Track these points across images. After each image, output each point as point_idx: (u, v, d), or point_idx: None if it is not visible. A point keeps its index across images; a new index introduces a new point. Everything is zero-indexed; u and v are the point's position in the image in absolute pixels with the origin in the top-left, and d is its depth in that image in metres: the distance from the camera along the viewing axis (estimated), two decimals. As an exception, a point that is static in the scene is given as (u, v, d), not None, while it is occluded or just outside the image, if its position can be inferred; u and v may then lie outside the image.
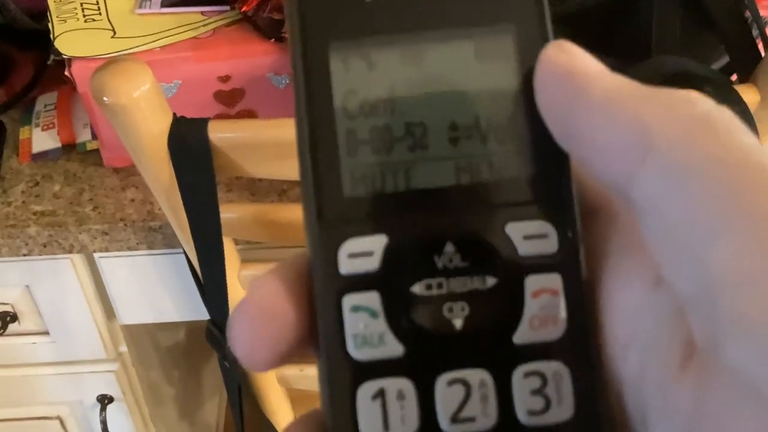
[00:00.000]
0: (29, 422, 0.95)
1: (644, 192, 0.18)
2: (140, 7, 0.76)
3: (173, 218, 0.62)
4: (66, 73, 0.71)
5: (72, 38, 0.73)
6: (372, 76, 0.21)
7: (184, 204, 0.58)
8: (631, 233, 0.20)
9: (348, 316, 0.20)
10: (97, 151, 0.78)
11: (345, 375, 0.20)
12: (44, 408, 0.94)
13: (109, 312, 0.85)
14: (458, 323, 0.20)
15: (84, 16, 0.75)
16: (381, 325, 0.20)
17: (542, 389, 0.20)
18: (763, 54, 0.65)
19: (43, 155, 0.79)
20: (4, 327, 0.82)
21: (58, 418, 0.96)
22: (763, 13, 0.74)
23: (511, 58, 0.21)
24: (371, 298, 0.20)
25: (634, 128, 0.18)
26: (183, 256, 0.72)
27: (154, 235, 0.73)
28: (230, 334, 0.20)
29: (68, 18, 0.75)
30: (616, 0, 0.65)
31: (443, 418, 0.20)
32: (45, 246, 0.74)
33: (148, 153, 0.55)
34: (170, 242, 0.73)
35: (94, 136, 0.79)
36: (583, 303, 0.20)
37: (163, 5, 0.76)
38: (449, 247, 0.20)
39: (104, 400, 0.91)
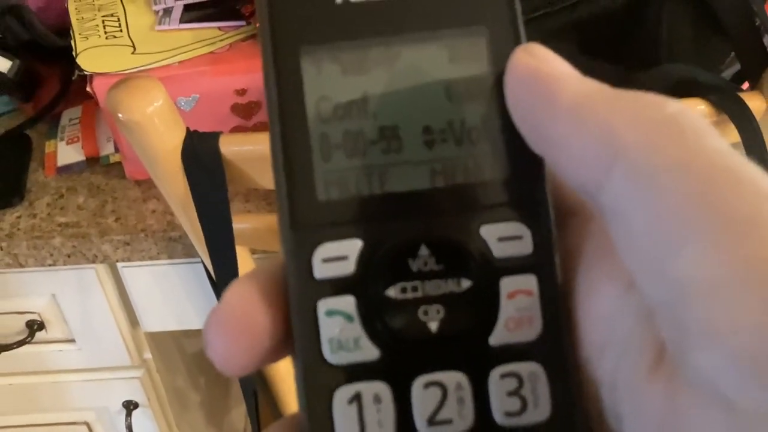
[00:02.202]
0: (57, 428, 0.97)
1: (611, 198, 0.18)
2: (160, 23, 0.78)
3: (190, 230, 0.64)
4: (87, 88, 0.73)
5: (94, 54, 0.75)
6: (344, 79, 0.21)
7: (199, 216, 0.60)
8: (605, 236, 0.20)
9: (323, 321, 0.20)
10: (119, 163, 0.81)
11: (321, 379, 0.20)
12: (72, 414, 0.97)
13: (133, 320, 0.87)
14: (434, 326, 0.20)
15: (105, 33, 0.77)
16: (356, 329, 0.20)
17: (518, 390, 0.20)
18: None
19: (68, 168, 0.82)
20: (32, 335, 0.85)
21: (86, 423, 0.98)
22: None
23: (484, 61, 0.21)
24: (346, 302, 0.20)
25: (602, 133, 0.18)
26: (202, 265, 0.73)
27: (174, 245, 0.75)
28: (206, 341, 0.20)
29: (90, 35, 0.77)
30: (626, 7, 0.65)
31: (420, 421, 0.20)
32: (69, 256, 0.76)
33: (163, 167, 0.57)
34: (190, 252, 0.74)
35: (117, 150, 0.81)
36: (558, 304, 0.21)
37: (182, 21, 0.78)
38: (424, 250, 0.20)
39: (129, 406, 0.93)
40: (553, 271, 0.21)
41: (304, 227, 0.20)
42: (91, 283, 0.82)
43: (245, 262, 0.67)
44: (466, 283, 0.20)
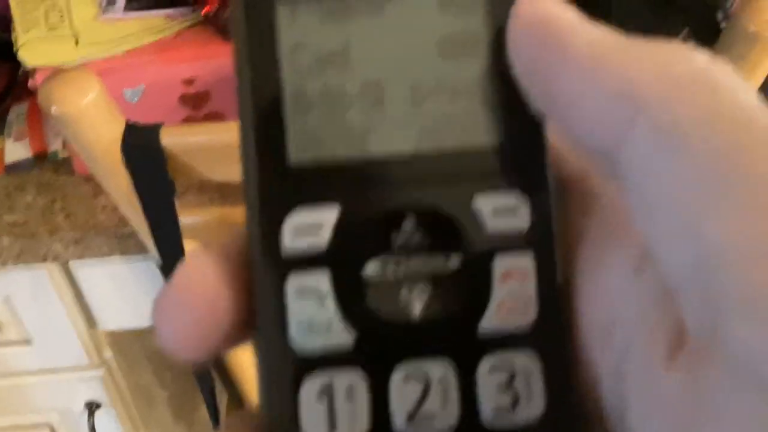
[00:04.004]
0: (20, 430, 0.95)
1: (633, 156, 0.16)
2: (104, 13, 0.75)
3: (138, 224, 0.62)
4: (30, 83, 0.71)
5: (35, 47, 0.72)
6: (323, 28, 0.18)
7: (144, 211, 0.58)
8: (611, 211, 0.19)
9: (292, 300, 0.18)
10: (68, 159, 0.78)
11: (287, 368, 0.18)
12: (34, 416, 0.95)
13: (90, 319, 0.85)
14: (417, 308, 0.18)
15: (48, 24, 0.75)
16: (329, 309, 0.18)
17: (510, 383, 0.18)
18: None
19: (16, 166, 0.79)
20: (-14, 338, 0.82)
21: (49, 425, 0.96)
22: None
23: (480, 9, 0.19)
24: (319, 279, 0.18)
25: (622, 86, 0.16)
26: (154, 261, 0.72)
27: (127, 241, 0.73)
28: (154, 320, 0.17)
29: (32, 27, 0.74)
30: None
31: (399, 416, 0.18)
32: (19, 256, 0.74)
33: (102, 161, 0.55)
34: (144, 248, 0.73)
35: (65, 145, 0.79)
36: (557, 287, 0.18)
37: (126, 10, 0.75)
38: (409, 222, 0.18)
39: (92, 407, 0.91)
40: (552, 249, 0.19)
41: (272, 192, 0.18)
42: (45, 283, 0.80)
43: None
44: (455, 261, 0.18)
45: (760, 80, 0.54)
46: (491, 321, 0.18)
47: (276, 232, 0.18)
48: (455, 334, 0.18)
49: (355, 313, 0.18)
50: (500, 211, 0.18)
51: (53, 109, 0.51)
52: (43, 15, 0.76)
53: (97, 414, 0.91)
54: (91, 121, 0.52)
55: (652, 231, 0.16)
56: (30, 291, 0.81)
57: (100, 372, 0.90)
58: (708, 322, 0.15)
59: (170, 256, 0.61)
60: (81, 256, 0.74)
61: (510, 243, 0.18)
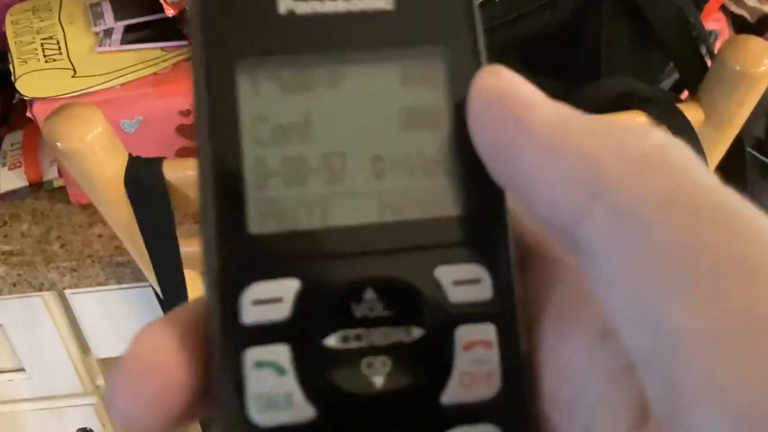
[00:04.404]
0: (10, 459, 0.95)
1: (592, 236, 0.16)
2: (100, 45, 0.77)
3: (137, 255, 0.63)
4: (27, 113, 0.72)
5: (33, 79, 0.73)
6: (285, 98, 0.18)
7: (145, 243, 0.59)
8: (574, 280, 0.18)
9: (251, 373, 0.17)
10: (63, 188, 0.79)
11: None
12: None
13: (84, 347, 0.86)
14: (379, 381, 0.18)
15: (45, 56, 0.76)
16: (289, 383, 0.17)
17: None
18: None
19: (11, 194, 0.80)
20: (-21, 366, 0.83)
21: (40, 453, 0.96)
22: (712, 26, 0.75)
23: (441, 84, 0.19)
24: (279, 352, 0.17)
25: (581, 164, 0.16)
26: (152, 289, 0.72)
27: (123, 270, 0.74)
28: (108, 396, 0.17)
29: (29, 59, 0.75)
30: (565, 23, 0.66)
31: None
32: (15, 285, 0.74)
33: (106, 195, 0.56)
34: (139, 276, 0.73)
35: (61, 174, 0.79)
36: (520, 358, 0.18)
37: (123, 42, 0.77)
38: (370, 294, 0.18)
39: (84, 434, 0.91)
40: (515, 319, 0.18)
41: (232, 263, 0.17)
42: (39, 311, 0.80)
43: (196, 285, 0.66)
44: (416, 332, 0.18)
45: (745, 116, 0.57)
46: (454, 393, 0.18)
47: (235, 303, 0.17)
48: (418, 406, 0.18)
49: (316, 386, 0.17)
50: (462, 282, 0.18)
51: (58, 145, 0.52)
52: (40, 47, 0.77)
53: (89, 441, 0.91)
54: (95, 156, 0.53)
55: (612, 311, 0.16)
56: (24, 319, 0.81)
57: (93, 399, 0.90)
58: (669, 405, 0.15)
59: (171, 287, 0.62)
60: (77, 285, 0.75)
61: (472, 313, 0.18)
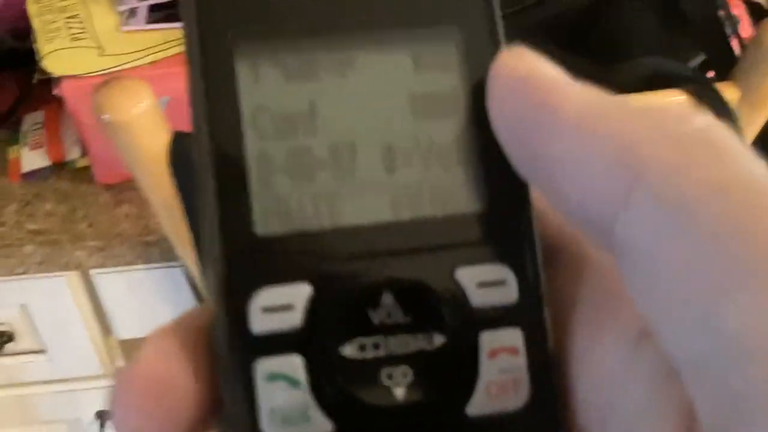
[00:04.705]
0: (27, 442, 0.95)
1: (632, 229, 0.14)
2: (126, 24, 0.76)
3: (174, 233, 0.63)
4: (55, 91, 0.71)
5: (60, 57, 0.73)
6: (289, 86, 0.17)
7: (186, 218, 0.59)
8: (603, 278, 0.17)
9: (262, 387, 0.16)
10: (87, 168, 0.79)
11: None
12: (42, 427, 0.94)
13: (106, 328, 0.86)
14: (400, 392, 0.17)
15: (70, 35, 0.75)
16: (304, 396, 0.16)
17: None
18: (737, 52, 0.68)
19: (34, 174, 0.79)
20: (1, 346, 0.82)
21: (56, 436, 0.96)
22: (735, 11, 0.77)
23: (457, 68, 0.18)
24: (292, 363, 0.16)
25: (617, 151, 0.15)
26: (179, 269, 0.72)
27: (151, 250, 0.74)
28: (112, 411, 0.16)
29: (54, 37, 0.75)
30: (592, 3, 0.67)
31: None
32: (41, 264, 0.74)
33: (149, 169, 0.56)
34: (168, 256, 0.73)
35: (83, 154, 0.79)
36: (549, 364, 0.17)
37: (148, 22, 0.76)
38: (387, 299, 0.17)
39: (103, 416, 0.91)
40: (543, 324, 0.17)
41: (239, 269, 0.16)
42: (63, 291, 0.80)
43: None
44: (438, 339, 0.17)
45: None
46: (479, 404, 0.17)
47: (243, 312, 0.16)
48: (442, 419, 0.17)
49: (332, 399, 0.16)
50: (485, 284, 0.17)
51: (106, 117, 0.52)
52: (64, 26, 0.77)
53: (108, 424, 0.91)
54: (142, 129, 0.53)
55: (656, 315, 0.15)
56: (47, 299, 0.81)
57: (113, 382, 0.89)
58: (724, 418, 0.13)
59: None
60: (104, 265, 0.75)
61: (497, 318, 0.17)
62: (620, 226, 0.15)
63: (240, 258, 0.16)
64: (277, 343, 0.16)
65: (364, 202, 0.17)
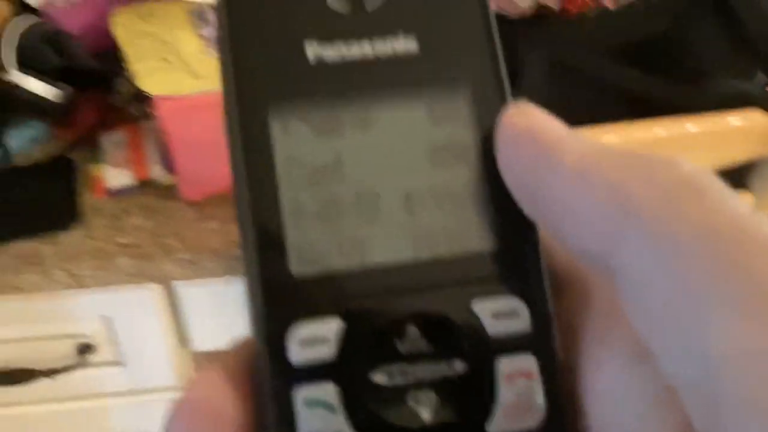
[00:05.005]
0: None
1: (626, 265, 0.16)
2: (210, 47, 0.80)
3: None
4: (151, 110, 0.75)
5: (153, 78, 0.76)
6: (318, 141, 0.19)
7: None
8: (608, 306, 0.19)
9: (301, 412, 0.18)
10: (170, 186, 0.82)
11: None
12: (112, 439, 0.96)
13: (183, 339, 0.88)
14: (425, 415, 0.19)
15: (160, 57, 0.79)
16: (340, 421, 0.18)
17: None
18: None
19: (119, 191, 0.83)
20: (83, 359, 0.85)
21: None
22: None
23: (468, 121, 0.20)
24: (328, 391, 0.18)
25: (612, 194, 0.17)
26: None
27: (239, 264, 0.76)
28: None
29: (146, 59, 0.78)
30: (667, 29, 0.71)
31: None
32: (132, 276, 0.77)
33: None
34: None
35: (168, 171, 0.82)
36: (560, 386, 0.19)
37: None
38: (412, 330, 0.19)
39: (172, 427, 0.93)
40: (553, 348, 0.19)
41: (277, 306, 0.18)
42: (145, 303, 0.83)
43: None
44: (459, 366, 0.19)
45: None
46: (499, 423, 0.19)
47: (281, 344, 0.18)
48: None
49: (365, 423, 0.18)
50: (499, 314, 0.19)
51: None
52: (153, 49, 0.80)
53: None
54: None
55: (650, 338, 0.16)
56: (130, 311, 0.84)
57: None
58: (709, 423, 0.15)
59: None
60: (192, 277, 0.77)
61: (511, 345, 0.19)
62: (616, 262, 0.17)
63: (278, 296, 0.18)
64: (313, 372, 0.18)
65: (388, 243, 0.19)
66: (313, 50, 0.20)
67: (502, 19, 0.69)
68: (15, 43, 0.84)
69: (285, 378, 0.18)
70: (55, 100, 0.83)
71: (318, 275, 0.19)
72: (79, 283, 0.76)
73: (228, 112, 0.19)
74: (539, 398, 0.19)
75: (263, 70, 0.19)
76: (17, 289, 0.76)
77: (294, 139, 0.19)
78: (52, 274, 0.75)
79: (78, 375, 0.87)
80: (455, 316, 0.19)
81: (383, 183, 0.19)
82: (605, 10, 0.69)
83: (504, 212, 0.19)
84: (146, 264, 0.76)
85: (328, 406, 0.18)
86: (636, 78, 0.66)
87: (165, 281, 0.78)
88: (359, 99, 0.20)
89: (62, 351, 0.85)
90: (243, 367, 0.19)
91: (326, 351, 0.18)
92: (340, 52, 0.20)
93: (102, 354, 0.87)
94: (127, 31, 0.82)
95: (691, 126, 0.62)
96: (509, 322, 0.19)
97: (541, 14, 0.68)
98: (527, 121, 0.19)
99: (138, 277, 0.77)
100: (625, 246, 0.16)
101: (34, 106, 0.84)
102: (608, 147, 0.18)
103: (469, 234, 0.19)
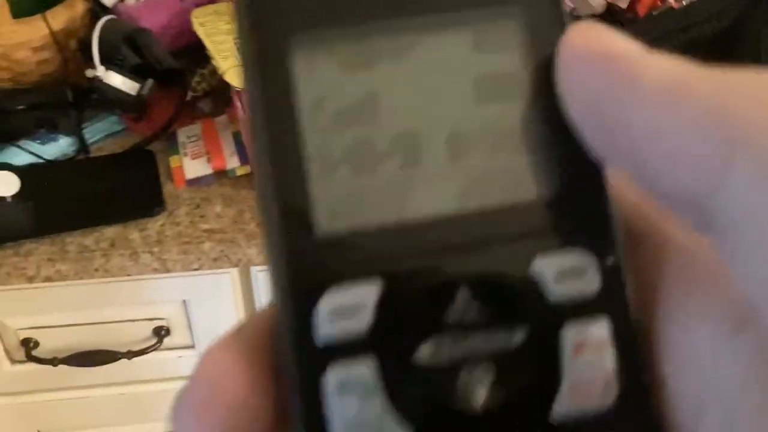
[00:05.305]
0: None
1: (734, 202, 0.13)
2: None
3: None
4: (238, 104, 0.79)
5: (236, 72, 0.81)
6: (347, 76, 0.17)
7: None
8: (692, 264, 0.16)
9: (333, 396, 0.15)
10: (246, 176, 0.86)
11: None
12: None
13: (254, 324, 0.92)
14: (480, 395, 0.16)
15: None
16: (378, 404, 0.15)
17: None
18: None
19: (197, 181, 0.87)
20: (160, 341, 0.88)
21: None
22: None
23: (521, 47, 0.17)
24: (364, 370, 0.15)
25: (711, 116, 0.14)
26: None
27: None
28: (174, 426, 0.16)
29: (229, 55, 0.83)
30: (729, 29, 0.76)
31: None
32: (215, 260, 0.81)
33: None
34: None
35: (243, 163, 0.87)
36: (638, 357, 0.16)
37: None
38: (462, 294, 0.16)
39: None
40: (628, 313, 0.16)
41: (302, 269, 0.16)
42: (223, 288, 0.87)
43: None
44: (518, 336, 0.16)
45: None
46: (566, 404, 0.16)
47: (309, 317, 0.16)
48: (526, 422, 0.16)
49: (409, 407, 0.16)
50: (565, 274, 0.16)
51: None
52: (234, 45, 0.85)
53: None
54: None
55: (761, 292, 0.14)
56: (206, 295, 0.88)
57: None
58: None
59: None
60: (271, 261, 0.81)
61: (579, 310, 0.16)
62: (720, 200, 0.14)
63: (303, 259, 0.16)
64: (346, 348, 0.16)
65: (430, 193, 0.16)
66: None
67: (575, 18, 0.74)
68: (97, 40, 0.88)
69: (313, 357, 0.16)
70: (136, 95, 0.87)
71: (349, 232, 0.16)
72: (164, 267, 0.80)
73: (242, 46, 0.16)
74: (612, 373, 0.16)
75: None
76: (106, 272, 0.80)
77: (319, 75, 0.16)
78: (140, 257, 0.79)
79: (152, 357, 0.90)
80: (512, 277, 0.16)
81: (423, 122, 0.17)
82: (670, 9, 0.74)
83: (565, 152, 0.17)
84: (230, 248, 0.80)
85: (365, 389, 0.15)
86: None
87: (246, 266, 0.82)
88: (392, 24, 0.17)
89: (141, 334, 0.89)
90: (260, 345, 0.16)
91: (361, 322, 0.16)
92: None
93: (176, 337, 0.91)
94: (207, 29, 0.87)
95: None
96: (576, 283, 0.16)
97: (611, 12, 0.73)
98: (595, 40, 0.16)
99: (221, 261, 0.81)
100: (730, 179, 0.13)
101: (116, 101, 0.88)
102: (697, 65, 0.15)
103: (525, 180, 0.17)
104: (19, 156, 0.86)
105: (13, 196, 0.80)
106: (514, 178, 0.17)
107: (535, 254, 0.16)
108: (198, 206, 0.84)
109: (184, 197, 0.85)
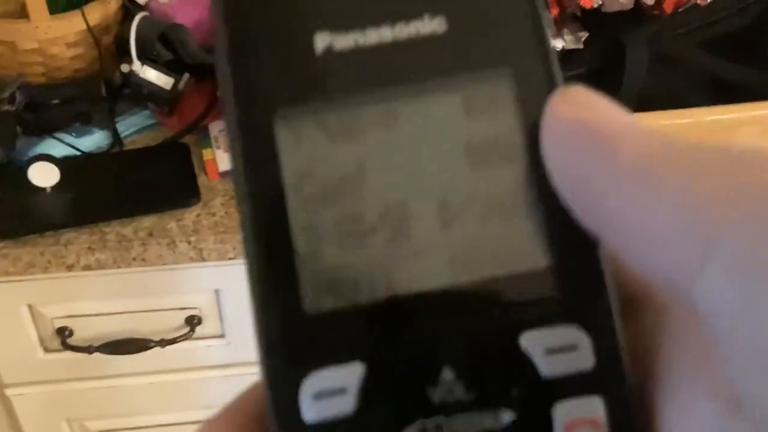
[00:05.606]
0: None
1: (710, 296, 0.13)
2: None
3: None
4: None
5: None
6: (332, 148, 0.16)
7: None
8: (691, 335, 0.15)
9: None
10: (278, 168, 0.88)
11: None
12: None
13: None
14: None
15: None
16: None
17: None
18: None
19: (230, 173, 0.89)
20: (192, 330, 0.90)
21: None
22: None
23: (512, 112, 0.16)
24: None
25: (688, 207, 0.13)
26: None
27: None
28: None
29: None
30: (753, 24, 0.78)
31: None
32: (249, 250, 0.82)
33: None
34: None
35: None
36: None
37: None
38: (448, 374, 0.16)
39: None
40: (625, 389, 0.16)
41: (287, 351, 0.16)
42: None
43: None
44: (507, 417, 0.16)
45: None
46: None
47: (294, 400, 0.16)
48: None
49: None
50: (555, 349, 0.16)
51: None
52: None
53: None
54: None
55: (743, 382, 0.13)
56: (238, 285, 0.89)
57: None
58: None
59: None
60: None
61: (571, 387, 0.16)
62: (700, 288, 0.13)
63: (288, 339, 0.16)
64: (334, 430, 0.16)
65: (419, 269, 0.16)
66: (321, 38, 0.16)
67: (603, 14, 0.76)
68: (134, 35, 0.90)
69: None
70: (171, 90, 0.89)
71: (333, 312, 0.16)
72: (200, 256, 0.82)
73: (227, 120, 0.16)
74: None
75: (265, 65, 0.16)
76: (144, 261, 0.81)
77: (305, 148, 0.16)
78: (178, 247, 0.81)
79: (183, 346, 0.92)
80: (501, 355, 0.16)
81: (412, 192, 0.16)
82: (695, 5, 0.76)
83: (559, 223, 0.16)
84: (265, 238, 0.82)
85: None
86: (730, 68, 0.72)
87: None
88: (379, 93, 0.16)
89: (174, 323, 0.91)
90: (252, 422, 0.16)
91: (346, 405, 0.16)
92: (353, 38, 0.16)
93: (207, 326, 0.93)
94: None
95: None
96: (567, 359, 0.16)
97: (638, 8, 0.75)
98: (577, 111, 0.15)
99: (255, 250, 0.82)
100: (707, 272, 0.13)
101: (150, 95, 0.90)
102: (679, 138, 0.14)
103: (516, 251, 0.16)
104: (56, 148, 0.88)
105: (53, 187, 0.82)
106: (506, 250, 0.16)
107: (524, 329, 0.16)
108: (232, 197, 0.86)
109: (218, 188, 0.87)
